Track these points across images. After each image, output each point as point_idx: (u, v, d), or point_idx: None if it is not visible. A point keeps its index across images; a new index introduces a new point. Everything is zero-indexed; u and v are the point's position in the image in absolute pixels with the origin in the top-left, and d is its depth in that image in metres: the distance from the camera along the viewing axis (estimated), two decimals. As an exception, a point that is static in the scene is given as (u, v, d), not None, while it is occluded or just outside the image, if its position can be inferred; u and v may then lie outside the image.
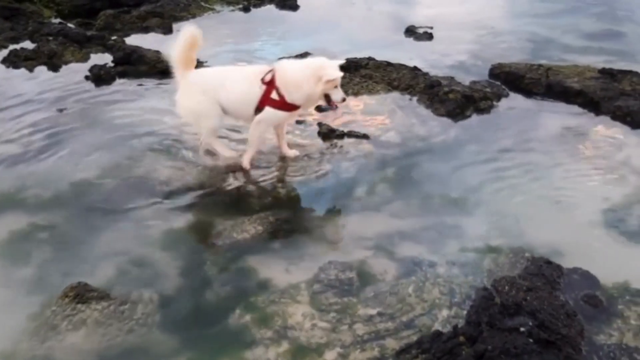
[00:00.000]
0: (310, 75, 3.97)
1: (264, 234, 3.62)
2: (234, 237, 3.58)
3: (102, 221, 3.74)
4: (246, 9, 8.40)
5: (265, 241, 3.57)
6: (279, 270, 3.34)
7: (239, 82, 4.18)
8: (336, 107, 4.18)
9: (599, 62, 6.08)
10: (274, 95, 4.04)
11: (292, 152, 4.41)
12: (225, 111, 4.20)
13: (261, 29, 7.53)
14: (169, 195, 3.98)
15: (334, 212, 3.90)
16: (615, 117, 4.96)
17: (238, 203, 3.90)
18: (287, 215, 3.79)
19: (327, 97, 4.06)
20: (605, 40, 6.91)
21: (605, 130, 4.81)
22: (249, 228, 3.64)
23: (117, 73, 5.97)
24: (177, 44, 4.16)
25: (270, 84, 4.05)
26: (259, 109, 4.11)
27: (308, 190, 4.08)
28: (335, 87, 4.02)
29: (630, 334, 2.84)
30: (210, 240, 3.58)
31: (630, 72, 5.61)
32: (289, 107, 4.10)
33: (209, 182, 4.10)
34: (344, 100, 4.10)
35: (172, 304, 3.10)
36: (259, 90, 4.07)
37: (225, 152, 4.35)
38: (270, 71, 4.09)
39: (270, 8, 8.51)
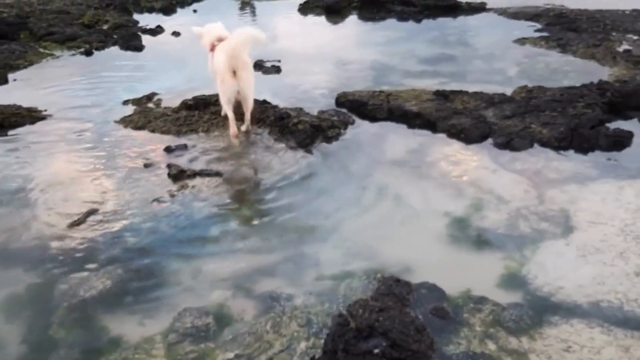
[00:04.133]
0: None
1: (114, 288, 3.44)
2: (81, 295, 3.37)
3: None
4: (88, 53, 8.09)
5: (115, 296, 3.39)
6: (131, 324, 3.18)
7: None
8: None
9: (434, 84, 6.54)
10: None
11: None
12: None
13: (105, 72, 7.27)
14: (7, 257, 3.68)
15: (188, 256, 3.79)
16: (450, 135, 5.32)
17: (83, 258, 3.67)
18: (137, 266, 3.63)
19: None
20: (438, 63, 7.43)
21: (443, 148, 5.14)
22: (96, 284, 3.45)
23: (-56, 132, 5.49)
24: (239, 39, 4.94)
25: None
26: None
27: (159, 236, 3.94)
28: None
29: (476, 341, 3.01)
30: (54, 302, 3.33)
31: (461, 91, 6.08)
32: None
33: (49, 239, 3.84)
34: None
35: (13, 378, 2.85)
36: None
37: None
38: None
39: (114, 50, 8.28)
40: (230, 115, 5.20)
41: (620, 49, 7.60)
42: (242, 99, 5.26)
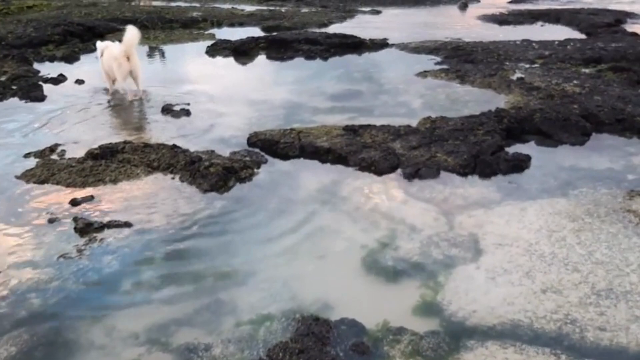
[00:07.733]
0: None
1: (19, 355, 3.21)
2: (-18, 367, 3.15)
3: None
4: (-16, 106, 7.70)
5: (20, 364, 3.18)
6: (39, 393, 2.99)
7: None
8: None
9: (343, 119, 6.68)
10: None
11: None
12: None
13: (4, 125, 6.93)
14: None
15: (99, 313, 3.61)
16: (362, 168, 5.44)
17: (-17, 326, 3.44)
18: (45, 329, 3.42)
19: None
20: (346, 99, 7.61)
21: (355, 182, 5.23)
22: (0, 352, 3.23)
23: None
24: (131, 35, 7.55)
25: None
26: None
27: (67, 294, 3.73)
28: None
29: (397, 372, 3.04)
30: (-50, 378, 3.09)
31: (369, 126, 6.25)
32: None
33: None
34: None
35: None
36: None
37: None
38: None
39: (14, 101, 7.92)
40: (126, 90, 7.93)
41: (514, 77, 8.09)
42: (134, 77, 7.85)
